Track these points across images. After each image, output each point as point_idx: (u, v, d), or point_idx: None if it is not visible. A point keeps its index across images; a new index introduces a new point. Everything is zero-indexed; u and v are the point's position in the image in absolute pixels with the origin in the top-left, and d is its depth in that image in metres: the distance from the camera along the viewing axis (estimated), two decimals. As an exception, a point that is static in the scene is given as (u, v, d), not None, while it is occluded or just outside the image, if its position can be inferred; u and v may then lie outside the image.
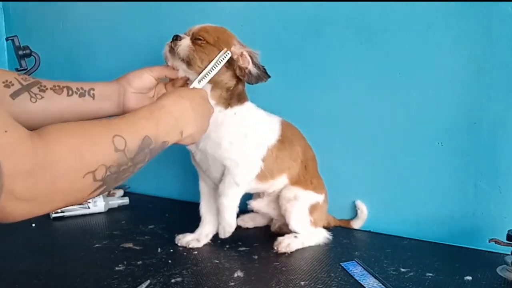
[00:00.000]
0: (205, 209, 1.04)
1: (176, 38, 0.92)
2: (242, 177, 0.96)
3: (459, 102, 1.01)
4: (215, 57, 0.90)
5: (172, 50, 0.92)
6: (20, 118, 0.87)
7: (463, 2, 0.97)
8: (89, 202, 1.20)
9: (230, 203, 0.97)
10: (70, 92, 0.91)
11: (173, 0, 1.25)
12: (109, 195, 1.31)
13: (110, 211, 1.23)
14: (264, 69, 0.94)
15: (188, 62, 0.91)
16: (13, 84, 0.87)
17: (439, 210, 1.06)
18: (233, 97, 0.95)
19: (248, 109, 0.98)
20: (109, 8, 1.36)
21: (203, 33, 0.92)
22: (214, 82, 0.92)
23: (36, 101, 0.87)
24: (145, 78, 0.92)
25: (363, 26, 1.07)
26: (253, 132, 0.97)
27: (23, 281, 0.83)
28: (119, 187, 1.37)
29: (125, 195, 1.34)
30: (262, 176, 0.99)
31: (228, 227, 0.98)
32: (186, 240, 1.00)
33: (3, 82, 0.86)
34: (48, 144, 0.55)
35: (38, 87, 0.89)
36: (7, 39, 1.41)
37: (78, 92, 0.91)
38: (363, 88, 1.09)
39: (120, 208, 1.26)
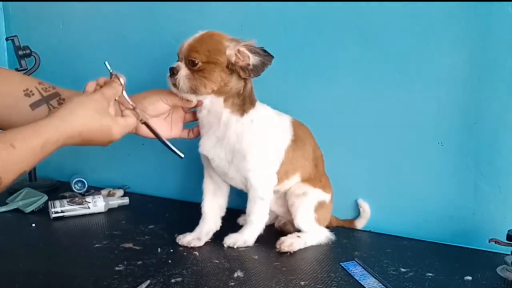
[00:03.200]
0: (208, 207, 1.04)
1: (173, 71, 0.91)
2: (265, 190, 0.98)
3: (459, 102, 1.01)
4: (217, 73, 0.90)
5: (175, 84, 0.91)
6: None
7: (463, 2, 0.97)
8: (89, 202, 1.20)
9: (257, 220, 0.99)
10: None
11: (173, 0, 1.25)
12: (109, 195, 1.31)
13: (110, 211, 1.23)
14: (265, 50, 0.91)
15: (194, 91, 0.91)
16: (33, 94, 0.87)
17: (439, 210, 1.06)
18: (246, 101, 0.95)
19: (261, 111, 0.98)
20: (109, 8, 1.36)
21: (194, 54, 0.90)
22: (223, 92, 0.92)
23: None
24: (160, 106, 0.93)
25: (363, 26, 1.06)
26: (272, 138, 0.99)
27: (23, 281, 0.83)
28: (119, 187, 1.38)
29: (125, 195, 1.33)
30: (279, 178, 1.00)
31: (241, 242, 0.99)
32: (187, 239, 1.00)
33: (24, 91, 0.86)
34: None
35: (57, 100, 0.88)
36: (7, 39, 1.41)
37: None
38: (363, 88, 1.09)
39: (120, 208, 1.26)
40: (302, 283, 0.83)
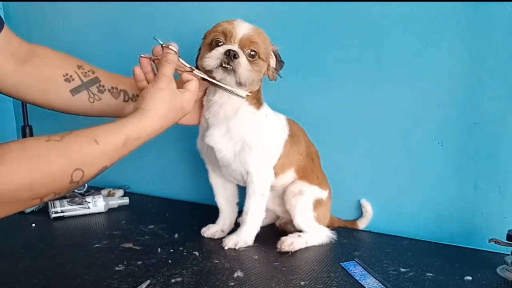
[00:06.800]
0: (222, 199, 1.06)
1: (234, 55, 0.84)
2: (265, 185, 0.99)
3: (459, 102, 1.01)
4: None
5: (225, 68, 0.86)
6: (78, 113, 0.89)
7: (463, 2, 0.97)
8: (89, 202, 1.20)
9: (254, 218, 0.99)
10: (126, 97, 0.91)
11: (173, 0, 1.25)
12: (109, 195, 1.31)
13: (110, 211, 1.23)
14: (279, 56, 0.94)
15: (247, 84, 0.88)
16: (73, 79, 0.87)
17: (439, 210, 1.06)
18: (261, 96, 0.97)
19: (266, 107, 1.00)
20: (109, 7, 1.36)
21: (256, 46, 0.87)
22: (249, 85, 0.92)
23: (94, 101, 0.89)
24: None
25: (363, 26, 1.06)
26: (276, 133, 1.00)
27: (23, 281, 0.83)
28: (119, 187, 1.38)
29: (125, 195, 1.34)
30: (275, 172, 1.00)
31: (242, 243, 0.99)
32: (212, 232, 1.03)
33: (64, 76, 0.87)
34: (5, 169, 0.57)
35: (97, 87, 0.89)
36: (7, 39, 1.41)
37: (134, 99, 0.91)
38: (363, 88, 1.09)
39: (120, 208, 1.26)
40: (302, 283, 0.84)
